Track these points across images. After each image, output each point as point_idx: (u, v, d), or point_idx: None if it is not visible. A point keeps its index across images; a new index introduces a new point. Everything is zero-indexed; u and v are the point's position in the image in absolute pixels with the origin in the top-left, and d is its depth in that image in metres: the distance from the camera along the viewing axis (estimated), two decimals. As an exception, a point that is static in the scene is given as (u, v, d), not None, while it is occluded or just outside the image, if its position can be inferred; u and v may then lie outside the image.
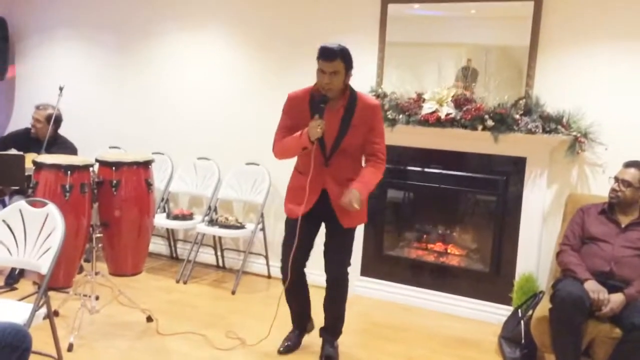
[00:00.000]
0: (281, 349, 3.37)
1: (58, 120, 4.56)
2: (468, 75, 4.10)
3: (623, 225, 3.24)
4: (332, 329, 3.34)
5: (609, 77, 3.76)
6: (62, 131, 4.68)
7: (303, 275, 3.27)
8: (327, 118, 2.96)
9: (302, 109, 3.06)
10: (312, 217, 3.13)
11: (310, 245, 3.22)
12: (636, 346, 2.84)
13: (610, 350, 2.94)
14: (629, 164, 3.29)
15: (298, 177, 3.18)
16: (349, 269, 3.22)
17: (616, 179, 3.29)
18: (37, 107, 4.59)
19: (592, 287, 3.01)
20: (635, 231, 3.20)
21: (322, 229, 3.24)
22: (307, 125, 2.95)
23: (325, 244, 3.20)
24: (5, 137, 4.85)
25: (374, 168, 3.11)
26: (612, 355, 2.93)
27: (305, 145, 2.95)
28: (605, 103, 3.76)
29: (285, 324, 3.44)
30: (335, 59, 2.89)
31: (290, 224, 3.17)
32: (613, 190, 3.29)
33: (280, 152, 3.14)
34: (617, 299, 2.97)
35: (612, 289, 3.02)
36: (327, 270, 3.18)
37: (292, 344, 3.41)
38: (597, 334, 3.00)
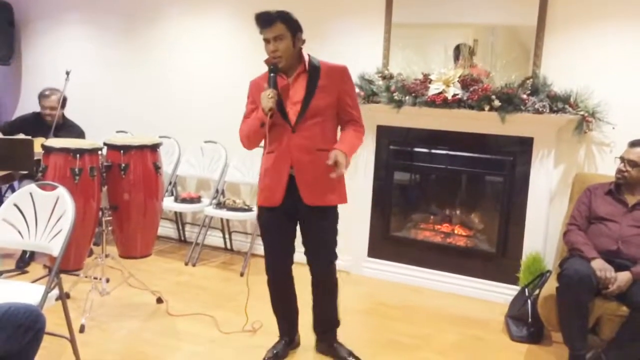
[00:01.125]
0: (266, 359, 3.06)
1: (64, 102, 4.57)
2: (466, 53, 4.08)
3: (630, 205, 3.24)
4: (330, 326, 3.12)
5: (617, 56, 3.73)
6: (69, 115, 4.70)
7: (290, 272, 3.03)
8: (292, 86, 2.82)
9: (262, 89, 2.82)
10: (289, 211, 2.88)
11: (291, 246, 2.97)
12: (643, 324, 2.86)
13: (617, 328, 2.96)
14: (634, 143, 3.27)
15: (266, 158, 2.90)
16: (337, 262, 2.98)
17: (622, 159, 3.28)
18: (45, 96, 4.55)
19: (599, 266, 3.02)
20: (643, 210, 3.21)
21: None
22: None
23: (304, 236, 2.95)
24: (13, 122, 4.87)
25: (354, 131, 2.89)
26: (619, 332, 2.95)
27: (262, 119, 2.75)
28: (613, 82, 3.74)
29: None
30: (274, 22, 2.70)
31: (267, 214, 2.92)
32: (619, 170, 3.28)
33: (244, 138, 2.93)
34: (623, 277, 2.98)
35: (619, 268, 3.02)
36: (311, 268, 2.94)
37: (280, 352, 3.09)
38: (604, 312, 3.02)
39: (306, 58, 2.84)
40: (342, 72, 2.87)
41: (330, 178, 2.73)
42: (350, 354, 3.09)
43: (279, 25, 2.71)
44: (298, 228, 2.98)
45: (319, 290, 3.01)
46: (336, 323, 3.14)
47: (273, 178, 2.85)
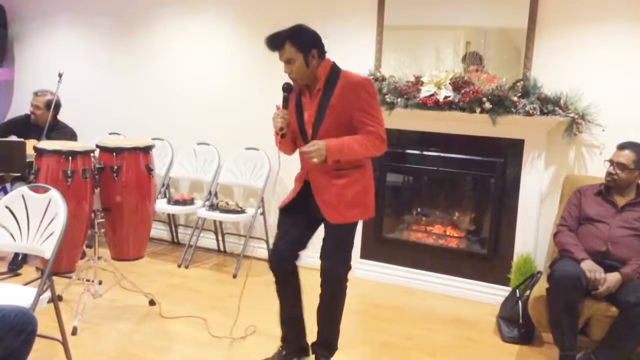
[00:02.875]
0: None
1: (57, 106, 4.58)
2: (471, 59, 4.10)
3: (620, 206, 3.27)
4: (325, 342, 2.93)
5: (607, 58, 3.76)
6: (61, 117, 4.70)
7: (290, 269, 2.88)
8: (310, 104, 2.75)
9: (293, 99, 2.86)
10: (307, 212, 2.84)
11: (298, 239, 2.86)
12: (631, 324, 2.88)
13: (607, 328, 2.99)
14: (622, 146, 3.30)
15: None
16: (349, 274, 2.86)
17: (611, 162, 3.30)
18: (36, 94, 4.61)
19: (589, 267, 3.05)
20: (632, 211, 3.23)
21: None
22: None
23: (323, 239, 2.85)
24: (6, 124, 4.87)
25: (361, 136, 2.68)
26: (608, 333, 2.98)
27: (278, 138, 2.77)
28: (602, 84, 3.77)
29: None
30: (282, 45, 2.65)
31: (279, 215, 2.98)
32: (609, 173, 3.30)
33: (278, 147, 2.91)
34: (613, 278, 3.01)
35: (608, 269, 3.05)
36: (320, 270, 2.80)
37: None
38: (594, 312, 3.04)
39: (324, 72, 2.73)
40: (354, 88, 2.69)
41: (351, 195, 2.74)
42: None
43: (288, 48, 2.66)
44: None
45: (324, 291, 2.83)
46: (331, 346, 2.95)
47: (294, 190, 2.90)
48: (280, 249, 2.88)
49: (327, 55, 2.77)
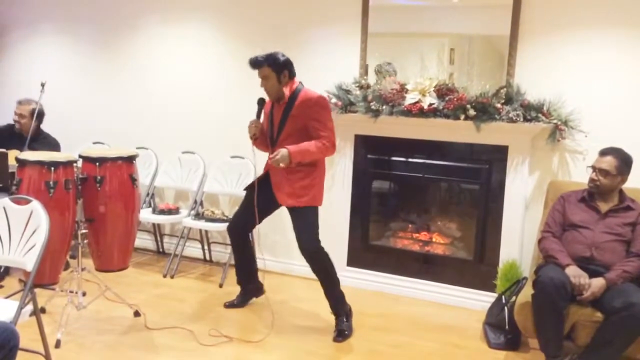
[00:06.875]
0: (226, 303, 3.92)
1: (41, 115, 4.54)
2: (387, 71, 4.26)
3: (603, 212, 3.29)
4: (332, 307, 3.60)
5: (589, 64, 3.80)
6: (45, 127, 4.66)
7: (243, 239, 3.83)
8: (277, 112, 3.50)
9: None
10: (262, 195, 3.52)
11: (251, 217, 3.57)
12: (617, 329, 2.90)
13: (592, 333, 3.01)
14: (604, 152, 3.32)
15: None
16: (331, 254, 3.54)
17: (593, 168, 3.33)
18: (20, 102, 4.57)
19: (573, 272, 3.06)
20: (615, 217, 3.26)
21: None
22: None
23: None
24: (-12, 134, 4.81)
25: (315, 141, 3.36)
26: (594, 338, 2.99)
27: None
28: (585, 91, 3.80)
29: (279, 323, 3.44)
30: (260, 66, 3.40)
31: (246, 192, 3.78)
32: (591, 179, 3.32)
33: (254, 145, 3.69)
34: (597, 283, 3.03)
35: (592, 274, 3.08)
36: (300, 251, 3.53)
37: (236, 302, 3.93)
38: (579, 318, 3.06)
39: (289, 90, 3.44)
40: (309, 103, 3.40)
41: (295, 184, 3.44)
42: (340, 333, 3.51)
43: (265, 68, 3.40)
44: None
45: (311, 268, 3.54)
46: (336, 309, 3.59)
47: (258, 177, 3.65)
48: (237, 222, 3.78)
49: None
